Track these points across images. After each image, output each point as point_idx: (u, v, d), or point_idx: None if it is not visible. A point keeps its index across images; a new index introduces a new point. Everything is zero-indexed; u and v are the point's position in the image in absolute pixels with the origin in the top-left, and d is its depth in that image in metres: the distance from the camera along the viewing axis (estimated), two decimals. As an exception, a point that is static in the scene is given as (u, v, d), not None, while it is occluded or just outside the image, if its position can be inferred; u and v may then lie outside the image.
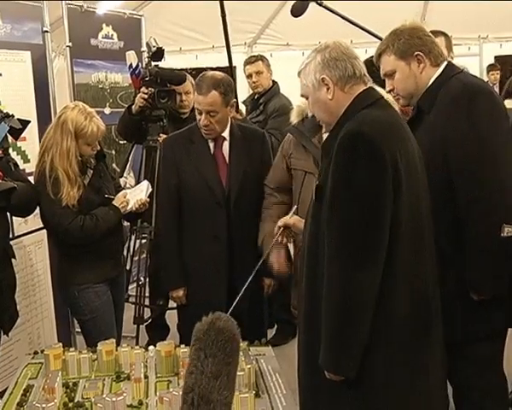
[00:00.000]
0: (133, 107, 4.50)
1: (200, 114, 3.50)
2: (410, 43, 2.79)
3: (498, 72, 8.51)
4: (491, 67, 8.66)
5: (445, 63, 2.84)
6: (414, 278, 2.31)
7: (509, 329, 2.94)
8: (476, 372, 2.76)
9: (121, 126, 4.77)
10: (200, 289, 3.57)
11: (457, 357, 2.70)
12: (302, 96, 2.53)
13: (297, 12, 4.30)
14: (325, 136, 2.56)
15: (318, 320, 2.29)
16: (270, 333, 5.16)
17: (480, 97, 2.68)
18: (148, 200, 3.85)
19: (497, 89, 8.06)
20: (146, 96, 4.38)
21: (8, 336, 3.56)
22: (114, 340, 2.92)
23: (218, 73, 3.58)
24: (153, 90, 4.38)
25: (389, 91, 2.87)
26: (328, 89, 2.35)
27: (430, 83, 2.80)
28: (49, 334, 4.40)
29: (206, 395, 1.48)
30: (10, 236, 3.71)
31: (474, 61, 8.82)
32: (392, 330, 2.27)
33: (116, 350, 2.87)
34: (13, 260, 3.55)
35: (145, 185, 3.93)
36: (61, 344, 2.92)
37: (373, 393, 2.30)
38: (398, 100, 2.89)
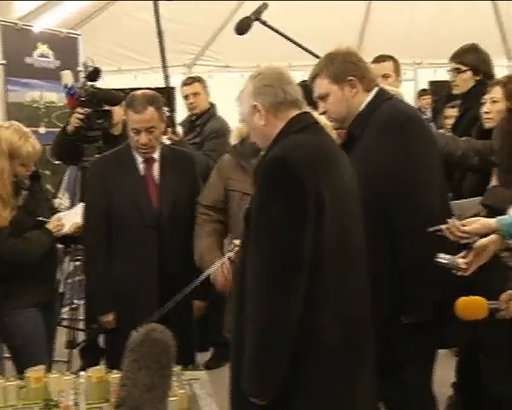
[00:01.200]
0: (68, 127, 4.44)
1: (138, 133, 3.46)
2: (344, 67, 2.84)
3: (429, 96, 8.74)
4: (422, 92, 8.88)
5: (377, 89, 2.90)
6: (341, 307, 2.30)
7: (440, 351, 3.00)
8: (407, 395, 2.80)
9: (56, 147, 4.69)
10: (130, 312, 3.51)
11: (389, 381, 2.73)
12: (241, 121, 2.64)
13: (241, 30, 4.32)
14: None
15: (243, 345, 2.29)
16: (206, 356, 5.14)
17: (410, 123, 2.75)
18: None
19: (429, 113, 8.26)
20: (81, 117, 4.33)
21: None
22: (43, 366, 2.84)
23: (148, 91, 3.57)
24: (89, 110, 4.33)
25: (322, 114, 2.91)
26: (260, 115, 2.39)
27: (362, 108, 2.85)
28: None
29: (140, 408, 1.44)
30: None
31: (409, 86, 9.02)
32: (319, 359, 2.27)
33: (45, 377, 2.79)
34: None
35: (80, 208, 3.85)
36: (-14, 372, 2.83)
37: None
38: (332, 122, 2.93)
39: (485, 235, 2.62)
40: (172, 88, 5.87)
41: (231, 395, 2.48)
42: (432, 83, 9.39)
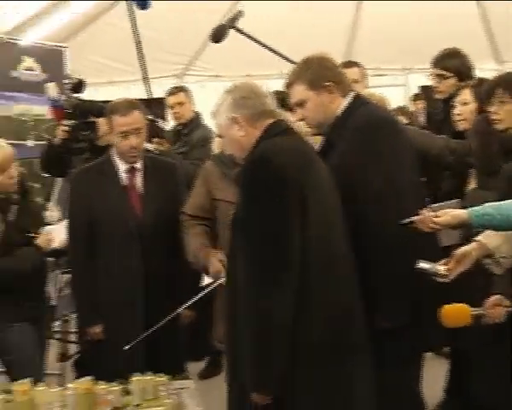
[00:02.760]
0: (55, 139, 4.44)
1: (126, 136, 3.45)
2: (320, 73, 2.84)
3: (423, 101, 8.75)
4: (416, 97, 8.89)
5: (353, 94, 2.90)
6: (330, 300, 2.38)
7: (428, 354, 2.99)
8: (389, 400, 2.77)
9: (43, 160, 4.69)
10: (115, 323, 3.49)
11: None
12: (218, 136, 2.66)
13: (215, 38, 4.32)
14: None
15: (239, 346, 2.38)
16: (201, 366, 5.12)
17: (384, 127, 2.76)
18: None
19: (423, 118, 8.25)
20: (67, 129, 4.32)
21: None
22: (30, 379, 2.82)
23: (129, 98, 3.61)
24: (74, 122, 4.33)
25: (299, 120, 2.91)
26: (239, 126, 2.50)
27: (338, 113, 2.85)
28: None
29: None
30: None
31: (400, 91, 9.05)
32: (310, 355, 2.35)
33: (32, 390, 2.77)
34: None
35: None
36: (-28, 386, 2.81)
37: None
38: (310, 128, 2.94)
39: (457, 227, 2.63)
40: (162, 98, 5.88)
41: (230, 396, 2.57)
42: (423, 88, 9.41)
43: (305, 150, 2.52)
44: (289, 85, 2.92)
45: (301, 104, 2.89)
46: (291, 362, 2.32)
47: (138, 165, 3.59)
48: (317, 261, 2.34)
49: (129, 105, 3.47)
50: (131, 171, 3.58)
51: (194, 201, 3.52)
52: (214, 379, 4.73)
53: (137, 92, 8.84)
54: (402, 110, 5.31)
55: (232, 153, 2.63)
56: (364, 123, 2.77)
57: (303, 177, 2.35)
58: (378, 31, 8.48)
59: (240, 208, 2.40)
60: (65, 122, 4.34)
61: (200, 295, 3.21)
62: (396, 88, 8.90)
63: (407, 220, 2.61)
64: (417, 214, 2.59)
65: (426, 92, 9.21)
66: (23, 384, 2.75)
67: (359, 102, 2.88)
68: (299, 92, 2.87)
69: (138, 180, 3.60)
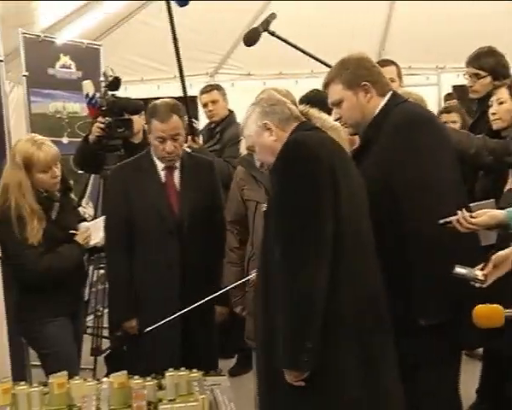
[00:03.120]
0: (90, 137, 4.48)
1: (164, 142, 3.48)
2: (358, 73, 2.86)
3: (455, 101, 8.67)
4: (448, 97, 8.80)
5: (390, 93, 2.89)
6: (358, 281, 2.46)
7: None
8: (424, 399, 2.76)
9: (78, 156, 4.74)
10: (152, 318, 3.52)
11: (408, 383, 2.70)
12: (248, 149, 2.87)
13: (249, 42, 4.33)
14: None
15: (274, 335, 2.42)
16: (231, 363, 5.14)
17: (422, 127, 2.74)
18: None
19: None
20: (103, 126, 4.36)
21: None
22: (67, 373, 2.86)
23: (169, 99, 3.61)
24: (109, 119, 4.36)
25: (336, 120, 2.91)
26: (270, 132, 2.61)
27: (376, 113, 2.84)
28: (3, 368, 4.29)
29: None
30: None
31: (433, 90, 8.96)
32: (339, 329, 2.42)
33: (68, 383, 2.81)
34: None
35: (103, 219, 3.88)
36: (10, 378, 2.84)
37: (328, 392, 2.43)
38: (347, 128, 2.94)
39: (494, 228, 2.61)
40: (194, 97, 5.90)
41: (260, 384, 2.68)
42: (455, 87, 9.33)
43: (335, 143, 2.60)
44: (326, 85, 2.95)
45: (338, 104, 2.92)
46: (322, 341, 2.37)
47: (176, 162, 3.62)
48: (347, 243, 2.42)
49: (168, 109, 3.47)
50: (169, 168, 3.61)
51: (230, 206, 3.65)
52: (243, 377, 4.73)
53: (167, 91, 8.94)
54: (455, 108, 5.23)
55: (264, 160, 2.71)
56: (402, 120, 2.77)
57: (335, 162, 2.44)
58: (410, 30, 8.41)
59: (274, 195, 2.50)
60: (100, 119, 4.38)
61: (225, 289, 3.25)
62: (428, 87, 8.82)
63: (444, 220, 2.59)
64: (455, 214, 2.58)
65: (458, 92, 9.17)
66: (60, 377, 2.78)
67: (397, 100, 2.88)
68: (336, 92, 2.90)
69: (176, 177, 3.63)
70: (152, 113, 3.52)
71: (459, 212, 2.58)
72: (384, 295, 2.54)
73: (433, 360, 2.70)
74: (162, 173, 3.61)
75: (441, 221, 2.60)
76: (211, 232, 3.58)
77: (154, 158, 3.60)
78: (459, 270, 2.56)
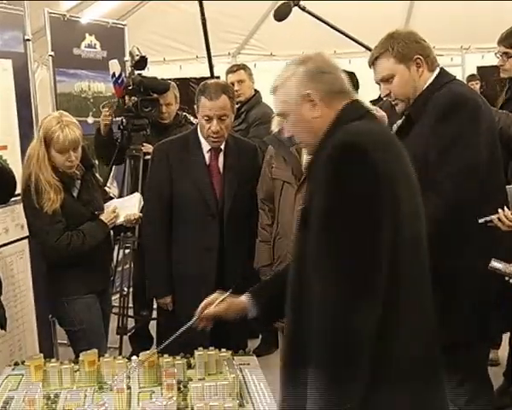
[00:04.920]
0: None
1: (209, 120, 3.46)
2: (410, 47, 2.78)
3: (478, 82, 8.59)
4: (470, 78, 8.73)
5: (439, 69, 2.83)
6: (417, 314, 2.01)
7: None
8: (460, 379, 2.75)
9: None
10: (185, 299, 3.53)
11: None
12: (279, 115, 2.29)
13: (280, 16, 4.29)
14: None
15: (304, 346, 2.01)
16: (255, 343, 5.16)
17: (466, 109, 2.68)
18: (141, 215, 3.81)
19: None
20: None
21: (5, 330, 3.57)
22: (97, 350, 2.88)
23: (220, 80, 3.61)
24: (136, 98, 4.36)
25: (385, 96, 2.86)
26: (313, 105, 2.06)
27: (423, 89, 2.79)
28: (31, 346, 4.35)
29: None
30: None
31: (457, 71, 8.87)
32: (394, 371, 1.96)
33: (99, 361, 2.83)
34: None
35: (137, 199, 3.90)
36: (41, 355, 2.87)
37: None
38: (397, 104, 2.88)
39: None
40: (218, 77, 5.89)
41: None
42: (479, 68, 9.24)
43: (389, 134, 2.19)
44: (375, 60, 2.86)
45: (388, 79, 2.84)
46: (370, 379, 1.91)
47: (221, 145, 3.60)
48: (405, 272, 1.95)
49: (219, 89, 3.45)
50: (214, 150, 3.59)
51: (261, 183, 3.64)
52: (268, 357, 4.74)
53: (190, 71, 8.94)
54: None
55: (297, 136, 2.18)
56: (448, 100, 2.70)
57: (393, 166, 1.97)
58: (435, 10, 8.32)
59: (317, 201, 1.96)
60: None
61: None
62: (452, 68, 8.73)
63: (484, 219, 2.56)
64: (496, 212, 2.54)
65: (482, 73, 9.08)
66: (90, 355, 2.80)
67: (445, 78, 2.82)
68: (387, 67, 2.82)
69: (220, 160, 3.62)
70: (201, 90, 3.49)
71: (500, 210, 2.53)
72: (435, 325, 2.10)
73: (466, 341, 2.68)
74: (207, 155, 3.59)
75: (481, 220, 2.56)
76: (249, 218, 3.58)
77: (201, 138, 3.58)
78: (495, 264, 2.53)
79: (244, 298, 2.48)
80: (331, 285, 1.88)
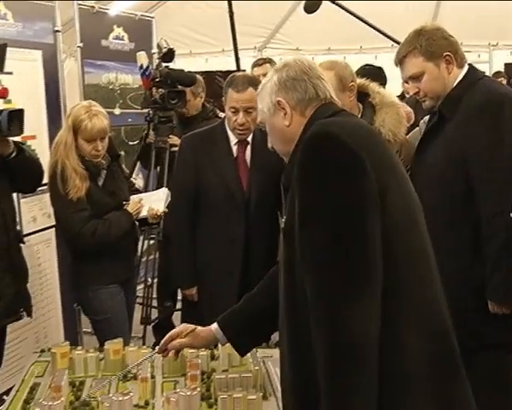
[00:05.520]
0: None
1: (236, 112, 3.47)
2: (439, 43, 2.74)
3: (503, 79, 8.52)
4: (496, 74, 8.66)
5: (468, 66, 2.80)
6: (424, 306, 1.83)
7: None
8: (485, 382, 2.72)
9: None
10: (210, 291, 3.55)
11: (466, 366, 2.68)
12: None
13: (310, 9, 4.27)
14: None
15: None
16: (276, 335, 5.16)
17: (506, 105, 2.64)
18: (166, 210, 3.83)
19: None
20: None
21: (32, 316, 3.61)
22: (122, 339, 2.90)
23: (249, 73, 3.60)
24: (163, 90, 4.38)
25: (414, 94, 2.84)
26: (284, 114, 1.98)
27: (453, 86, 2.76)
28: (56, 334, 4.40)
29: None
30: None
31: (484, 68, 8.80)
32: (408, 368, 1.77)
33: (123, 350, 2.86)
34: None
35: (164, 194, 3.91)
36: (68, 343, 2.91)
37: None
38: (425, 102, 2.85)
39: None
40: (243, 71, 5.90)
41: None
42: (507, 65, 9.16)
43: (368, 129, 2.05)
44: (403, 58, 2.81)
45: (417, 77, 2.79)
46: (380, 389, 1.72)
47: (248, 138, 3.61)
48: (402, 257, 1.79)
49: (246, 81, 3.46)
50: (242, 143, 3.60)
51: None
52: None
53: (215, 64, 8.95)
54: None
55: (274, 145, 2.10)
56: (485, 100, 2.66)
57: (379, 157, 1.83)
58: (462, 6, 8.26)
59: (297, 203, 1.79)
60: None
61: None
62: (480, 65, 8.66)
63: None
64: None
65: (508, 69, 8.99)
66: (115, 344, 2.83)
67: (475, 75, 2.78)
68: (416, 64, 2.77)
69: (247, 153, 3.62)
70: (229, 83, 3.51)
71: None
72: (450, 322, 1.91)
73: (492, 344, 2.66)
74: (234, 148, 3.61)
75: None
76: (275, 210, 3.58)
77: (228, 130, 3.59)
78: None
79: (212, 327, 2.46)
80: (320, 296, 1.72)
